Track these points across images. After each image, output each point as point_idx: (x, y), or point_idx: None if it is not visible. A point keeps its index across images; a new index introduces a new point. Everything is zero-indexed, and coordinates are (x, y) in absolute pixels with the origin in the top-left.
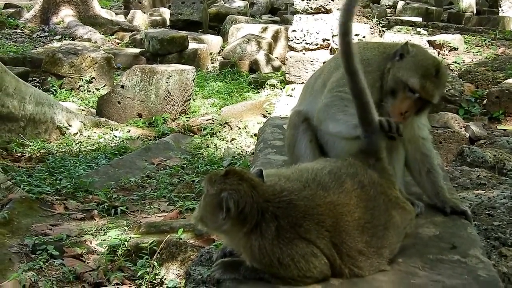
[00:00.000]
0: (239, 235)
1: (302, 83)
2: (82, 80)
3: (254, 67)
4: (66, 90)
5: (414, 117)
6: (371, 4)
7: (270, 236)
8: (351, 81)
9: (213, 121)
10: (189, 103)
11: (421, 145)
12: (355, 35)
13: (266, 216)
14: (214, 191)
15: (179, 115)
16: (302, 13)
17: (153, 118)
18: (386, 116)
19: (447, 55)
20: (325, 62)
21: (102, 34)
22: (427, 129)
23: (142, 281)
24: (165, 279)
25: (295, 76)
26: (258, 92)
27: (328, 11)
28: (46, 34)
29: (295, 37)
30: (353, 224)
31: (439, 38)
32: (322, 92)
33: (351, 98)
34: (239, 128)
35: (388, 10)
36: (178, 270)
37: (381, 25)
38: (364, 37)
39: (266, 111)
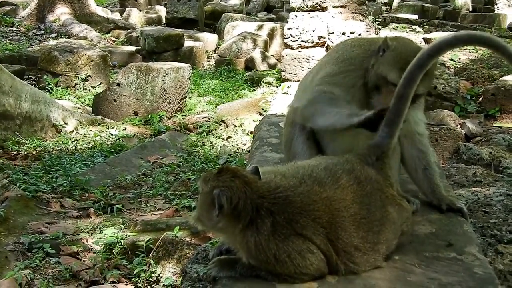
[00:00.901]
0: (235, 231)
1: (298, 80)
2: (78, 78)
3: (250, 65)
4: (62, 88)
5: (409, 111)
6: (366, 1)
7: (266, 232)
8: (397, 104)
9: (209, 119)
10: (185, 101)
11: (417, 141)
12: (350, 32)
13: (261, 212)
14: (207, 189)
15: (175, 113)
16: (297, 11)
17: (149, 116)
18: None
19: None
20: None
21: (98, 32)
22: (423, 124)
23: (139, 279)
24: (162, 277)
25: (291, 73)
26: (254, 90)
27: (323, 9)
28: (42, 32)
29: (290, 34)
30: (349, 220)
31: (435, 35)
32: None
33: (336, 91)
34: (235, 126)
35: (384, 8)
36: (175, 268)
37: (376, 22)
38: (359, 34)
39: (262, 109)
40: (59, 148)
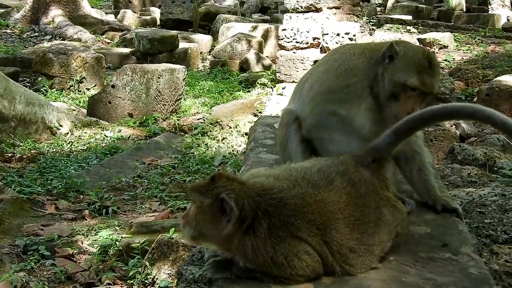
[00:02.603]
0: (235, 236)
1: (293, 82)
2: (73, 80)
3: (244, 66)
4: (56, 90)
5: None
6: (361, 2)
7: (262, 235)
8: (417, 121)
9: (204, 120)
10: (180, 102)
11: (413, 142)
12: (345, 33)
13: (258, 213)
14: (210, 199)
15: (170, 115)
16: (292, 12)
17: (144, 118)
18: (392, 119)
19: (437, 53)
20: (316, 61)
21: (92, 34)
22: None
23: (134, 281)
24: (157, 278)
25: (286, 75)
26: (249, 91)
27: (318, 10)
28: (36, 34)
29: (285, 36)
30: (344, 222)
31: (429, 36)
32: (308, 96)
33: (342, 111)
34: (230, 127)
35: (378, 9)
36: (170, 270)
37: (371, 23)
38: (354, 35)
39: (257, 110)
40: (54, 150)
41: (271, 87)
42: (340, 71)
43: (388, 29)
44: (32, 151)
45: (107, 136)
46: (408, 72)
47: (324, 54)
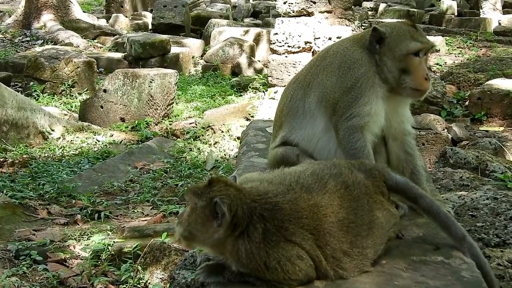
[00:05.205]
0: (227, 241)
1: (285, 86)
2: (64, 85)
3: (236, 70)
4: (48, 95)
5: (400, 109)
6: (352, 6)
7: (257, 239)
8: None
9: (196, 124)
10: (172, 107)
11: (405, 141)
12: (337, 37)
13: (254, 217)
14: (203, 202)
15: (162, 119)
16: (284, 16)
17: (136, 122)
18: (414, 93)
19: (428, 57)
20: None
21: (84, 38)
22: (410, 124)
23: (126, 286)
24: (149, 283)
25: (278, 79)
26: (241, 95)
27: (310, 14)
28: (28, 38)
29: (277, 40)
30: (337, 225)
31: None
32: (326, 113)
33: (364, 111)
34: (222, 132)
35: (370, 13)
36: (162, 274)
37: (363, 27)
38: None
39: (249, 114)
40: (46, 155)
41: (263, 91)
42: (344, 69)
43: None
44: (24, 156)
45: (99, 141)
46: (405, 42)
47: (307, 64)
